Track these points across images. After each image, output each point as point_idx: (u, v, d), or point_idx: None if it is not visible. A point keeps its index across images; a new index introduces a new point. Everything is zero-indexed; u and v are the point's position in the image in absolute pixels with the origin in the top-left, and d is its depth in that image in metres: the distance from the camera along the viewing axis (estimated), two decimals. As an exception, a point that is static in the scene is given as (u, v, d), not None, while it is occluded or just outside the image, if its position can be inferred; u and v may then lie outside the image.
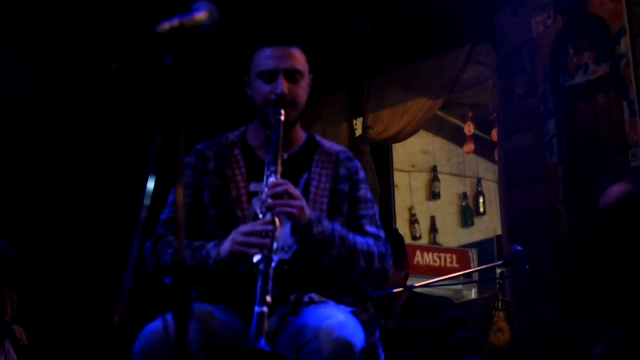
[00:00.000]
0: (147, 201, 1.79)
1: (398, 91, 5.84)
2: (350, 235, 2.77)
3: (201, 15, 2.00)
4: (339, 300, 2.76)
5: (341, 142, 5.96)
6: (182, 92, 1.81)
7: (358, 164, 3.00)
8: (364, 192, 2.94)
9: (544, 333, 4.74)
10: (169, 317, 1.78)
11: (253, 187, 2.83)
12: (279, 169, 2.72)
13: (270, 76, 2.84)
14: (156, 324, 2.55)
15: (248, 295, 2.62)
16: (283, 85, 2.82)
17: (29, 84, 5.86)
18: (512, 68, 5.11)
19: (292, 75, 2.85)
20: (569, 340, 4.56)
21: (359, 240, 2.78)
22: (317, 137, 3.03)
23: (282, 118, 2.79)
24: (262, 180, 2.76)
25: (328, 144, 3.01)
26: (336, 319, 2.48)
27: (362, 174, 2.98)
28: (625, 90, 4.45)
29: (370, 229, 2.87)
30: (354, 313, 2.66)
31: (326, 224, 2.71)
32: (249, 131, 3.01)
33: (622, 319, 1.44)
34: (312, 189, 2.86)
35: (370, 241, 2.82)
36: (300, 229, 2.67)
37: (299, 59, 2.88)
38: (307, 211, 2.67)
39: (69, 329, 5.57)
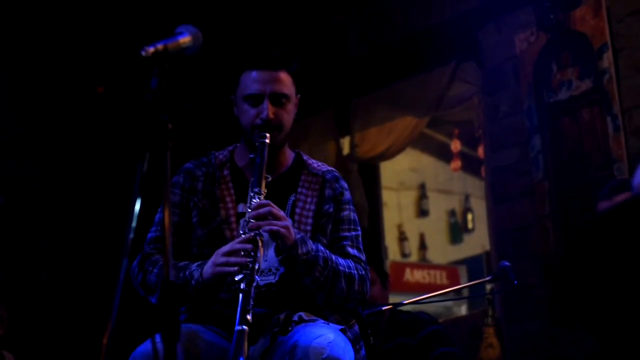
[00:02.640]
0: (134, 223, 1.80)
1: (384, 110, 5.88)
2: (333, 257, 2.77)
3: (185, 39, 2.02)
4: (327, 319, 2.77)
5: (328, 161, 5.98)
6: (167, 115, 1.83)
7: (344, 184, 3.00)
8: (348, 212, 2.94)
9: (533, 348, 4.75)
10: (157, 338, 1.79)
11: (241, 208, 2.84)
12: (263, 190, 2.72)
13: (256, 100, 2.84)
14: (145, 346, 2.56)
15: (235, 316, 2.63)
16: (268, 110, 2.81)
17: (16, 108, 5.87)
18: (496, 85, 5.15)
19: (279, 99, 2.85)
20: (559, 354, 4.57)
21: (341, 262, 2.79)
22: (305, 157, 3.03)
23: (267, 141, 2.80)
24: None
25: (315, 164, 3.01)
26: (326, 338, 2.49)
27: (347, 195, 2.97)
28: (609, 106, 4.49)
29: (352, 251, 2.87)
30: (343, 331, 2.68)
31: (310, 244, 2.72)
32: (237, 151, 3.01)
33: (597, 330, 1.46)
34: (298, 210, 2.86)
35: (352, 264, 2.82)
36: (286, 249, 2.67)
37: (285, 82, 2.88)
38: (293, 231, 2.68)
39: (58, 352, 5.55)
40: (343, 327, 2.73)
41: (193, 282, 2.68)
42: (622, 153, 4.42)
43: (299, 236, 2.69)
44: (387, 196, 7.35)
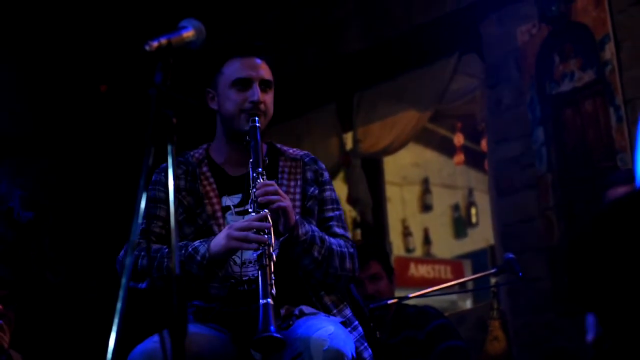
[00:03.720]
0: (140, 219, 1.80)
1: (387, 104, 5.87)
2: (326, 237, 2.83)
3: (189, 34, 2.02)
4: (328, 312, 2.79)
5: (332, 156, 5.99)
6: (171, 109, 1.83)
7: (322, 165, 3.06)
8: (330, 193, 3.00)
9: (539, 340, 4.75)
10: (165, 334, 1.79)
11: (225, 201, 2.88)
12: (265, 172, 2.77)
13: (244, 85, 2.88)
14: (147, 344, 2.56)
15: (237, 315, 2.65)
16: (258, 93, 2.87)
17: (19, 108, 5.88)
18: (499, 78, 5.14)
19: (266, 86, 2.91)
20: (565, 346, 4.57)
21: (333, 241, 2.85)
22: (279, 145, 3.07)
23: (258, 125, 2.83)
24: (232, 194, 2.86)
25: (290, 150, 3.06)
26: (327, 330, 2.52)
27: (327, 175, 3.04)
28: (612, 96, 4.49)
29: (338, 230, 2.94)
30: (344, 324, 2.69)
31: (307, 225, 2.78)
32: (212, 148, 3.04)
33: (614, 322, 1.45)
34: None
35: (342, 242, 2.88)
36: (288, 229, 2.71)
37: (268, 71, 2.95)
38: (293, 212, 2.74)
39: (65, 351, 5.55)
40: (344, 319, 2.76)
41: (198, 257, 2.68)
42: (625, 144, 4.42)
43: (297, 217, 2.75)
44: (390, 191, 7.33)
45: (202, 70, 3.04)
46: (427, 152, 8.20)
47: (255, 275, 2.69)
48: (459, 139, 7.15)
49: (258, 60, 2.93)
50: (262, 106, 2.87)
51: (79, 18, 5.78)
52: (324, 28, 6.06)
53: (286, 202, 2.70)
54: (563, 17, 4.77)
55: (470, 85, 5.47)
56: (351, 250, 2.89)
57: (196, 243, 2.73)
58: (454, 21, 5.34)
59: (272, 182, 2.74)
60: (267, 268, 2.56)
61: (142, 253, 2.80)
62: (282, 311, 2.73)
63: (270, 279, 2.54)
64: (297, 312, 2.73)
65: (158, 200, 2.92)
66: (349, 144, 6.12)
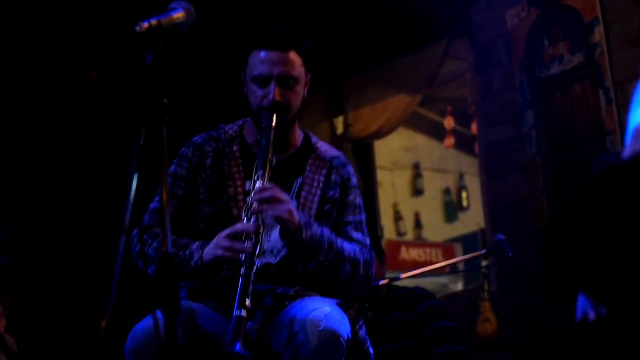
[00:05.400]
0: (131, 197, 1.81)
1: (377, 88, 5.89)
2: (339, 241, 2.76)
3: (179, 15, 2.04)
4: (324, 293, 2.78)
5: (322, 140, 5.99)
6: (162, 90, 1.84)
7: (351, 169, 2.98)
8: (354, 197, 2.92)
9: (530, 321, 4.79)
10: (158, 313, 1.81)
11: (248, 185, 2.81)
12: (267, 173, 2.71)
13: (263, 82, 2.81)
14: (147, 322, 2.58)
15: (234, 293, 2.65)
16: (275, 93, 2.79)
17: (10, 94, 5.87)
18: (489, 61, 5.16)
19: (286, 81, 2.82)
20: (555, 327, 4.61)
21: (346, 246, 2.77)
22: (314, 140, 3.00)
23: (273, 124, 2.78)
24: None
25: (324, 147, 2.99)
26: (322, 310, 2.51)
27: (354, 180, 2.96)
28: (601, 79, 4.51)
29: (356, 235, 2.86)
30: (340, 305, 2.70)
31: (315, 228, 2.70)
32: (246, 127, 2.98)
33: (607, 296, 1.46)
34: (303, 194, 2.85)
35: (357, 248, 2.81)
36: (290, 233, 2.66)
37: (293, 64, 2.85)
38: (297, 215, 2.65)
39: (58, 336, 5.57)
40: (340, 300, 2.75)
41: (192, 262, 2.68)
42: (614, 126, 4.45)
43: (304, 220, 2.67)
44: (381, 176, 7.35)
45: (235, 52, 2.97)
46: (418, 136, 8.21)
47: (258, 267, 2.69)
48: (449, 123, 7.17)
49: (282, 54, 2.83)
50: (280, 104, 2.79)
51: (68, 5, 5.77)
52: (314, 13, 6.06)
53: (285, 206, 2.62)
54: (552, 0, 4.79)
55: (461, 69, 5.49)
56: (367, 257, 2.81)
57: (194, 246, 2.71)
58: (443, 5, 5.35)
59: (271, 185, 2.66)
60: (247, 279, 2.52)
61: (150, 240, 2.79)
62: (279, 291, 2.73)
63: (248, 289, 2.51)
64: (292, 292, 2.73)
65: (178, 177, 2.87)
66: (339, 128, 6.14)
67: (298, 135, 2.99)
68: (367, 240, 2.89)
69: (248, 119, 2.99)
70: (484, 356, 4.89)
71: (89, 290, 5.48)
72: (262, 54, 2.83)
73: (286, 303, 2.69)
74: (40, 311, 5.56)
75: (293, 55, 2.86)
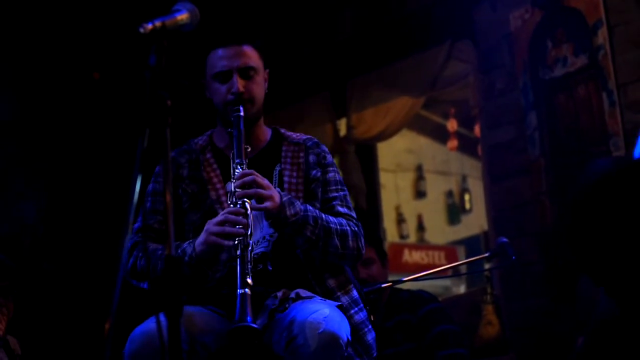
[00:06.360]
0: (135, 199, 1.81)
1: (380, 90, 5.88)
2: (324, 216, 2.83)
3: (183, 16, 2.04)
4: (325, 296, 2.80)
5: (325, 143, 5.96)
6: (166, 91, 1.84)
7: (325, 148, 3.08)
8: (333, 174, 3.01)
9: (533, 325, 4.77)
10: (161, 316, 1.80)
11: (230, 186, 2.86)
12: (245, 161, 2.78)
13: (224, 76, 2.89)
14: (146, 325, 2.58)
15: (234, 296, 2.66)
16: (238, 83, 2.87)
17: (13, 95, 5.88)
18: (492, 63, 5.15)
19: (246, 72, 2.90)
20: (558, 330, 4.60)
21: (332, 220, 2.85)
22: (282, 130, 3.09)
23: (242, 114, 2.85)
24: None
25: (294, 135, 3.08)
26: (322, 313, 2.53)
27: (329, 157, 3.05)
28: (604, 81, 4.51)
29: (342, 209, 2.94)
30: (340, 307, 2.70)
31: (298, 205, 2.77)
32: (215, 134, 3.06)
33: (617, 289, 1.46)
34: (286, 179, 2.93)
35: (343, 221, 2.88)
36: (273, 212, 2.72)
37: (250, 55, 2.93)
38: (277, 194, 2.73)
39: (61, 338, 5.57)
40: (339, 303, 2.76)
41: (186, 258, 2.71)
42: (618, 128, 4.44)
43: (285, 198, 2.75)
44: (384, 178, 7.35)
45: (195, 61, 3.05)
46: (421, 139, 8.21)
47: (254, 256, 2.72)
48: (452, 125, 7.16)
49: (238, 48, 2.92)
50: (245, 95, 2.87)
51: (71, 6, 5.77)
52: (317, 15, 6.06)
53: (266, 191, 2.71)
54: (556, 2, 4.78)
55: (464, 71, 5.48)
56: (355, 228, 2.89)
57: (184, 244, 2.75)
58: (447, 7, 5.35)
59: (251, 171, 2.74)
60: (244, 258, 2.58)
61: (140, 254, 2.82)
62: (279, 294, 2.74)
63: (247, 268, 2.56)
64: (293, 295, 2.74)
65: (157, 193, 2.94)
66: (342, 131, 6.13)
67: (266, 130, 3.07)
68: (354, 213, 2.98)
69: (216, 128, 3.06)
70: (486, 359, 4.88)
71: (92, 292, 5.48)
72: (220, 51, 2.92)
73: (286, 305, 2.70)
74: (43, 313, 5.56)
75: (248, 48, 2.94)
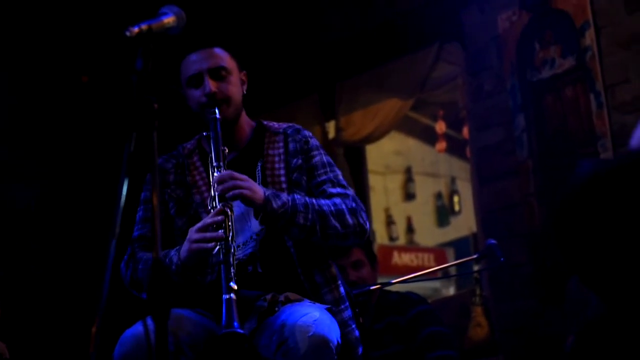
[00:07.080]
0: (122, 203, 1.81)
1: (369, 92, 5.88)
2: (314, 200, 2.78)
3: (169, 20, 2.03)
4: (314, 299, 2.78)
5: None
6: (153, 95, 1.83)
7: (307, 133, 3.00)
8: (319, 157, 2.94)
9: (522, 326, 4.78)
10: (148, 320, 1.80)
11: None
12: (223, 163, 2.75)
13: (197, 80, 2.87)
14: (136, 328, 2.58)
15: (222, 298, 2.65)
16: (210, 84, 2.84)
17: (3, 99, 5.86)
18: (480, 65, 5.16)
19: (218, 73, 2.87)
20: (547, 332, 4.61)
21: (323, 202, 2.79)
22: (265, 122, 3.04)
23: (218, 116, 2.82)
24: None
25: (276, 124, 3.02)
26: (312, 316, 2.52)
27: (313, 141, 2.97)
28: (592, 83, 4.52)
29: (334, 190, 2.87)
30: (329, 310, 2.69)
31: (284, 196, 2.73)
32: (203, 138, 3.01)
33: (605, 288, 1.46)
34: (268, 172, 2.89)
35: (337, 200, 2.83)
36: (260, 208, 2.69)
37: (222, 57, 2.90)
38: (260, 190, 2.69)
39: (49, 342, 5.55)
40: (329, 306, 2.74)
41: (173, 267, 2.69)
42: (605, 130, 4.45)
43: (269, 192, 2.71)
44: (373, 180, 7.34)
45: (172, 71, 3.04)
46: (410, 141, 8.21)
47: (242, 258, 2.71)
48: (440, 127, 7.17)
49: (209, 50, 2.90)
50: (218, 95, 2.85)
51: (59, 9, 5.76)
52: (305, 17, 6.06)
53: (245, 184, 2.67)
54: (543, 3, 4.80)
55: (452, 73, 5.49)
56: (351, 205, 2.83)
57: (171, 252, 2.74)
58: (435, 9, 5.35)
59: (228, 172, 2.70)
60: (227, 263, 2.56)
61: (135, 265, 2.83)
62: (268, 297, 2.73)
63: (231, 273, 2.54)
64: (282, 298, 2.73)
65: (149, 201, 2.91)
66: (331, 133, 6.13)
67: (248, 127, 3.02)
68: (349, 191, 2.90)
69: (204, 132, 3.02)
70: (476, 361, 4.89)
71: (79, 295, 5.47)
72: (191, 56, 2.90)
73: (276, 309, 2.69)
74: (31, 317, 5.54)
75: (219, 50, 2.92)
